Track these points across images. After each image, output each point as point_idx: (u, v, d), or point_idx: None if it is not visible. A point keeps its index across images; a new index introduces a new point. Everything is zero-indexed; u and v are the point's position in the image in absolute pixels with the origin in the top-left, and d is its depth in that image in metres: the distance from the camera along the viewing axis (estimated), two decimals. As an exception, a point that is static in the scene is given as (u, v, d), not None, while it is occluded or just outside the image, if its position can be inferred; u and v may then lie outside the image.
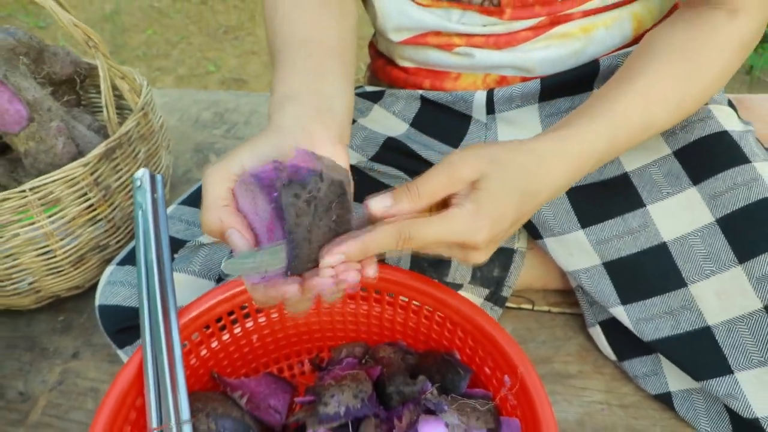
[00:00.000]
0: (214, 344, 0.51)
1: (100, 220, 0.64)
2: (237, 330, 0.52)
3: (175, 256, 0.57)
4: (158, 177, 0.48)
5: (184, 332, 0.48)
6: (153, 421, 0.43)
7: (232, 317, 0.51)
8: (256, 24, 2.18)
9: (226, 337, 0.52)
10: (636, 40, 0.61)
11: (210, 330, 0.50)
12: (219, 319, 0.51)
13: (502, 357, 0.45)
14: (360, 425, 0.47)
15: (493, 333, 0.46)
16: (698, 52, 0.48)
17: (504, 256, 0.64)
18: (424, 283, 0.49)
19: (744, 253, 0.51)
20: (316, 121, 0.41)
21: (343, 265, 0.36)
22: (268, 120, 0.42)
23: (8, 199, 0.57)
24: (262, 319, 0.53)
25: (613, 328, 0.61)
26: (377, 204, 0.37)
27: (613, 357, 0.61)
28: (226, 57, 2.04)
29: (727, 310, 0.52)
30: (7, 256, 0.59)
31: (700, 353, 0.53)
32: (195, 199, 0.61)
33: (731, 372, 0.52)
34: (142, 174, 0.47)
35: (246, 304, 0.51)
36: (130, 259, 0.58)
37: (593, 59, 0.60)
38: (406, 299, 0.51)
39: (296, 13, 0.49)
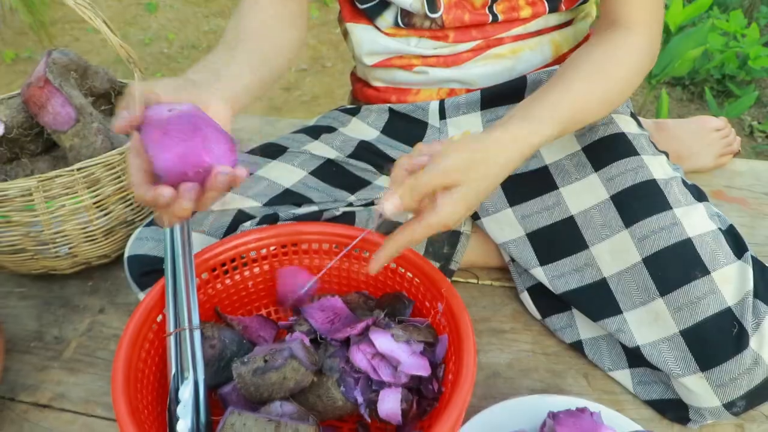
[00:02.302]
0: (218, 285, 0.68)
1: (129, 199, 0.81)
2: (237, 276, 0.69)
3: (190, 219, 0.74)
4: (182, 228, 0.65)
5: (197, 270, 0.65)
6: (171, 326, 0.60)
7: (234, 264, 0.68)
8: (258, 71, 2.41)
9: (228, 281, 0.69)
10: (555, 61, 0.80)
11: (216, 272, 0.67)
12: (223, 264, 0.67)
13: (437, 290, 0.62)
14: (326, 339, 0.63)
15: (430, 272, 0.63)
16: (608, 65, 0.65)
17: (452, 237, 0.81)
18: (380, 238, 0.66)
19: (629, 220, 0.69)
20: (215, 86, 0.58)
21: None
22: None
23: (60, 176, 0.75)
24: (256, 269, 0.70)
25: (537, 292, 0.78)
26: (388, 208, 0.52)
27: (538, 316, 0.78)
28: (229, 98, 2.26)
29: (617, 264, 0.69)
30: (56, 222, 0.77)
31: (599, 299, 0.70)
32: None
33: (621, 312, 0.68)
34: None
35: (245, 255, 0.68)
36: (155, 222, 0.74)
37: (522, 75, 0.79)
38: (367, 252, 0.68)
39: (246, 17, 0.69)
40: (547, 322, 0.77)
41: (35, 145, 0.89)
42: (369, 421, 0.59)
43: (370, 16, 0.79)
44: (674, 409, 0.68)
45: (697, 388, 0.64)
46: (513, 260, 0.80)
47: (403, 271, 0.66)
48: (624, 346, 0.71)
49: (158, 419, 0.58)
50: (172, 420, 0.56)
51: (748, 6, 2.64)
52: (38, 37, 2.06)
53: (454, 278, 0.83)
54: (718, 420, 0.67)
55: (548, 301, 0.77)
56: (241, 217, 0.74)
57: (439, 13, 0.74)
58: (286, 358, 0.56)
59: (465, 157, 0.54)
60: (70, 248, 0.80)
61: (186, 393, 0.56)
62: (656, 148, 0.77)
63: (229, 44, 0.67)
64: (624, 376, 0.72)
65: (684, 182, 0.74)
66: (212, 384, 0.61)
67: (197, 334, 0.59)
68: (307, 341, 0.61)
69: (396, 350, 0.58)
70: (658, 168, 0.72)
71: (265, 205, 0.76)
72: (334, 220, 0.75)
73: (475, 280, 0.84)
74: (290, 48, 0.74)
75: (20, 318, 0.81)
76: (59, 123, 0.83)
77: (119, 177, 0.79)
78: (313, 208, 0.76)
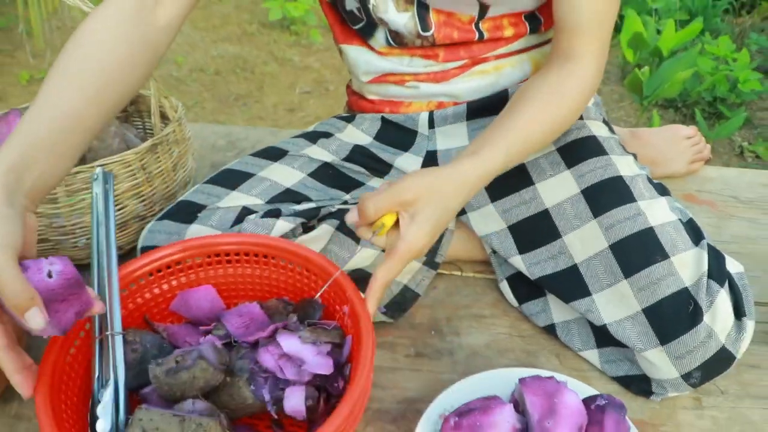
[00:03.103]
0: (147, 295, 0.74)
1: (142, 196, 0.90)
2: (165, 286, 0.74)
3: (199, 215, 0.82)
4: (110, 174, 0.70)
5: (124, 281, 0.70)
6: (96, 332, 0.64)
7: (161, 274, 0.73)
8: (264, 93, 2.53)
9: (156, 290, 0.74)
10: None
11: (143, 282, 0.72)
12: (150, 275, 0.72)
13: (344, 294, 0.68)
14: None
15: (338, 277, 0.68)
16: (557, 93, 0.74)
17: (438, 232, 0.89)
18: (294, 246, 0.73)
19: (597, 211, 0.77)
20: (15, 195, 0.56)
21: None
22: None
23: (81, 172, 0.83)
24: (183, 279, 0.75)
25: (515, 280, 0.85)
26: (349, 218, 0.64)
27: (515, 303, 0.85)
28: (235, 120, 2.37)
29: (587, 251, 0.77)
30: (75, 215, 0.85)
31: (570, 283, 0.77)
32: (217, 180, 0.87)
33: (590, 294, 0.76)
34: (99, 171, 0.69)
35: (171, 266, 0.73)
36: (167, 216, 0.83)
37: (504, 89, 0.88)
38: (284, 261, 0.74)
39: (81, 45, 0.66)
40: (524, 308, 0.85)
41: (57, 148, 0.99)
42: (276, 417, 0.65)
43: (363, 37, 0.88)
44: (638, 383, 0.76)
45: (658, 361, 0.72)
46: (494, 252, 0.87)
47: (314, 278, 0.72)
48: (593, 327, 0.79)
49: (81, 420, 0.63)
50: (94, 420, 0.61)
51: (739, 32, 2.75)
52: (53, 60, 2.19)
53: (439, 270, 0.91)
54: (678, 392, 0.74)
55: (525, 289, 0.85)
56: (246, 212, 0.82)
57: (431, 32, 0.83)
58: (195, 359, 0.62)
59: (420, 181, 0.64)
60: (87, 239, 0.88)
61: (107, 394, 0.61)
62: (624, 149, 0.85)
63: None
64: (593, 355, 0.79)
65: (649, 179, 0.82)
66: (135, 385, 0.66)
67: (119, 339, 0.64)
68: (218, 344, 0.67)
69: (301, 351, 0.64)
70: (625, 166, 0.80)
71: (267, 202, 0.85)
72: (330, 215, 0.83)
73: (459, 272, 0.92)
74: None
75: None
76: (80, 127, 0.92)
77: (134, 174, 0.88)
78: (311, 205, 0.85)
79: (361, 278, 0.77)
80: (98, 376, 0.63)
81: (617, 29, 2.92)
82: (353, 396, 0.57)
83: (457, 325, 0.84)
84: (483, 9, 0.81)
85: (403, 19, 0.82)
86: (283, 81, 2.61)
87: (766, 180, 1.10)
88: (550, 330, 0.82)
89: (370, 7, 0.82)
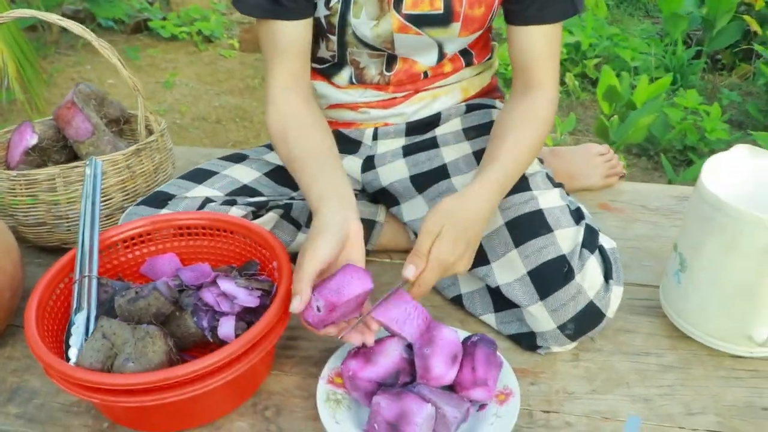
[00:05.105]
0: (122, 258, 0.95)
1: (126, 190, 1.12)
2: (137, 252, 0.96)
3: (169, 202, 1.03)
4: (99, 162, 0.96)
5: (104, 243, 0.91)
6: (77, 274, 0.86)
7: (134, 242, 0.95)
8: (260, 140, 2.78)
9: (129, 255, 0.95)
10: (463, 100, 1.11)
11: (119, 248, 0.94)
12: (125, 242, 0.94)
13: (274, 253, 0.88)
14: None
15: (274, 245, 0.89)
16: (533, 116, 0.95)
17: (368, 226, 1.09)
18: (243, 222, 0.94)
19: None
20: (346, 210, 0.81)
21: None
22: (314, 214, 0.83)
23: (77, 167, 1.06)
24: (152, 248, 0.97)
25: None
26: (408, 272, 0.81)
27: (431, 279, 1.04)
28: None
29: (488, 228, 0.95)
30: (70, 202, 1.07)
31: (476, 254, 0.95)
32: (188, 176, 1.07)
33: (489, 263, 0.94)
34: (92, 158, 0.97)
35: (142, 235, 0.95)
36: (143, 202, 1.03)
37: (438, 112, 1.10)
38: (232, 233, 0.95)
39: (303, 137, 0.92)
40: (437, 284, 1.03)
41: (59, 155, 1.21)
42: (211, 341, 0.83)
43: (327, 75, 1.09)
44: (527, 339, 0.93)
45: (539, 315, 0.89)
46: (416, 236, 1.07)
47: (259, 248, 0.93)
48: (491, 294, 0.97)
49: (59, 342, 0.82)
50: (68, 337, 0.81)
51: (711, 88, 2.99)
52: (27, 113, 2.47)
53: (371, 258, 1.10)
54: (559, 346, 0.91)
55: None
56: (207, 202, 1.03)
57: (391, 73, 1.04)
58: (151, 290, 0.82)
59: (440, 210, 0.84)
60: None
61: (80, 317, 0.81)
62: (539, 161, 1.05)
63: (312, 167, 0.89)
64: (490, 318, 0.97)
65: (548, 176, 1.01)
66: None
67: (95, 281, 0.85)
68: (172, 284, 0.84)
69: (235, 290, 0.83)
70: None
71: (227, 195, 1.05)
72: (278, 207, 1.04)
73: (388, 260, 1.12)
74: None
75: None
76: (80, 135, 1.15)
77: (120, 172, 1.10)
78: (263, 199, 1.05)
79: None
80: (75, 307, 0.83)
81: (594, 84, 3.18)
82: (268, 317, 0.77)
83: (378, 298, 1.02)
84: (441, 57, 1.03)
85: (373, 60, 1.03)
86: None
87: (673, 193, 1.29)
88: (457, 300, 1.00)
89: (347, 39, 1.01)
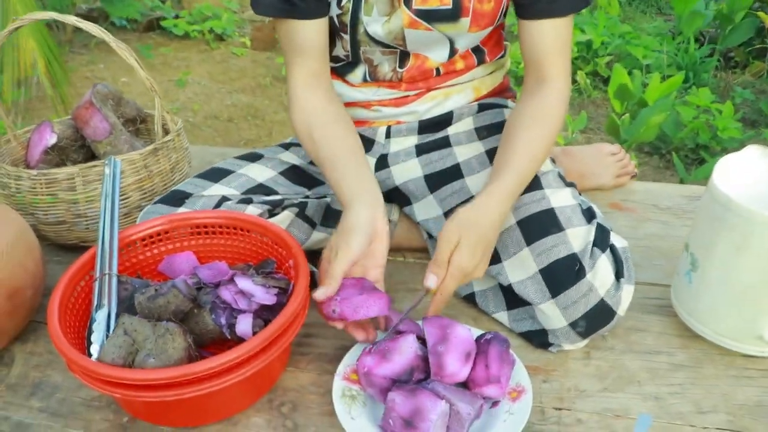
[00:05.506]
0: (140, 257, 0.97)
1: (143, 189, 1.14)
2: (155, 251, 0.98)
3: (186, 201, 1.05)
4: (118, 161, 0.98)
5: (123, 241, 0.94)
6: (97, 272, 0.88)
7: (152, 240, 0.97)
8: (272, 138, 2.80)
9: (148, 254, 0.97)
10: (475, 99, 1.12)
11: (138, 246, 0.96)
12: (144, 240, 0.96)
13: (291, 254, 0.90)
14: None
15: (290, 244, 0.91)
16: (543, 113, 0.97)
17: (385, 224, 1.11)
18: (260, 221, 0.96)
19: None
20: (375, 209, 0.86)
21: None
22: (344, 210, 0.87)
23: (95, 166, 1.08)
24: (170, 246, 0.99)
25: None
26: (430, 282, 0.84)
27: (444, 277, 1.05)
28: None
29: (501, 226, 0.97)
30: (89, 201, 1.09)
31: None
32: (205, 175, 1.09)
33: (501, 261, 0.96)
34: (111, 158, 0.99)
35: (160, 234, 0.97)
36: (161, 201, 1.05)
37: (449, 110, 1.11)
38: (249, 231, 0.97)
39: (328, 136, 0.95)
40: (451, 284, 1.05)
41: (78, 155, 1.24)
42: (229, 338, 0.85)
43: (341, 74, 1.11)
44: (538, 337, 0.94)
45: (550, 312, 0.91)
46: (430, 237, 1.08)
47: (275, 246, 0.95)
48: (504, 292, 0.98)
49: (81, 338, 0.85)
50: (90, 334, 0.83)
51: (724, 86, 2.98)
52: (54, 108, 2.52)
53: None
54: (570, 343, 0.92)
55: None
56: (224, 200, 1.05)
57: (404, 69, 1.05)
58: (170, 288, 0.84)
59: (457, 220, 0.86)
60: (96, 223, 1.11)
61: (101, 315, 0.84)
62: (551, 161, 1.06)
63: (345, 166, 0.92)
64: (503, 316, 0.98)
65: (560, 175, 1.02)
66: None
67: (114, 279, 0.88)
68: (189, 282, 0.87)
69: (252, 288, 0.86)
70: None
71: (243, 193, 1.07)
72: (292, 205, 1.06)
73: (402, 258, 1.13)
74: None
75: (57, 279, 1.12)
76: (97, 134, 1.17)
77: (138, 171, 1.12)
78: (278, 197, 1.07)
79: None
80: (96, 304, 0.85)
81: (605, 82, 3.17)
82: (285, 315, 0.78)
83: (393, 296, 1.03)
84: (452, 53, 1.04)
85: (386, 57, 1.04)
86: (291, 128, 2.88)
87: (685, 192, 1.30)
88: (470, 298, 1.02)
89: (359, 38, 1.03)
